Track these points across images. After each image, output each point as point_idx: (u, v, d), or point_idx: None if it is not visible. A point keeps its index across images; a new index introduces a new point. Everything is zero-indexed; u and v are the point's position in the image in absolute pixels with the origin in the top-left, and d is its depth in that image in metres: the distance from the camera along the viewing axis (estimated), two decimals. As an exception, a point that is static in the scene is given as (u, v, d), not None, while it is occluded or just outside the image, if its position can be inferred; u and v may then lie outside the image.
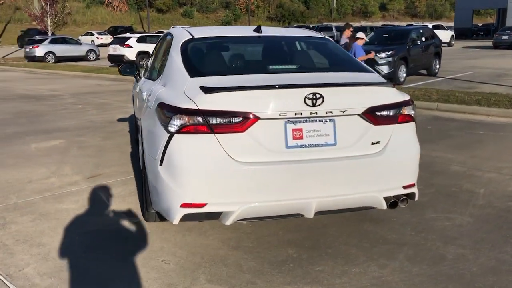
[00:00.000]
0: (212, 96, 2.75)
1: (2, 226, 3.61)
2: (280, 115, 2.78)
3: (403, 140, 3.09)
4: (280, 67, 3.41)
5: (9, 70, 22.49)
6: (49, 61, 27.56)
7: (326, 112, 2.85)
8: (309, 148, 2.85)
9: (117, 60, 22.42)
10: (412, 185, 3.16)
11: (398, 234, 3.44)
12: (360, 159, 2.92)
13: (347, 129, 2.92)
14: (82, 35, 42.24)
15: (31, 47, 27.98)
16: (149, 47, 21.17)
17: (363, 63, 3.64)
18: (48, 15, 31.71)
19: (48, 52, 28.03)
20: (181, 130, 2.77)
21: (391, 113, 3.02)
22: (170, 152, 2.82)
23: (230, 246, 3.25)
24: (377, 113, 2.96)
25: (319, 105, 2.81)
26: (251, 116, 2.74)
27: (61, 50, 28.70)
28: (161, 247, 3.23)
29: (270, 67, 3.37)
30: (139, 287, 2.75)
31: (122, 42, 22.29)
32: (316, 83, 2.86)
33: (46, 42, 28.60)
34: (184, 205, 2.78)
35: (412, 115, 3.17)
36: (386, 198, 3.06)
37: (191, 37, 3.65)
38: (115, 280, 2.82)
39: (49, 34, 32.30)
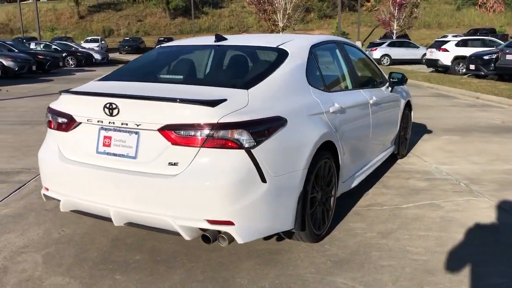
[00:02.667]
0: (60, 98, 3.20)
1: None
2: (87, 120, 2.96)
3: (211, 167, 2.66)
4: (168, 77, 3.39)
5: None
6: (384, 63, 29.04)
7: (122, 124, 2.83)
8: (114, 157, 2.90)
9: (432, 64, 21.84)
10: (224, 223, 2.68)
11: (231, 269, 2.92)
12: (155, 177, 2.75)
13: (149, 144, 2.79)
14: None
15: (370, 50, 30.16)
16: (468, 52, 19.62)
17: (258, 80, 3.10)
18: (395, 19, 33.14)
19: (384, 55, 29.57)
20: (48, 125, 3.33)
21: (195, 134, 2.66)
22: None
23: (115, 238, 3.54)
24: (176, 132, 2.69)
25: (115, 115, 2.83)
26: (71, 119, 3.05)
27: (397, 53, 29.69)
28: (82, 222, 3.84)
29: (161, 76, 3.41)
30: (19, 239, 3.49)
31: (440, 45, 21.41)
32: (110, 93, 2.86)
33: (384, 45, 30.18)
34: (44, 187, 3.35)
35: (241, 140, 2.66)
36: (187, 228, 2.74)
37: (159, 45, 4.00)
38: (11, 231, 3.66)
39: (394, 37, 33.78)
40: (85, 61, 26.27)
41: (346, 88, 4.20)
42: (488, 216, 3.99)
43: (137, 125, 2.78)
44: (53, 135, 3.21)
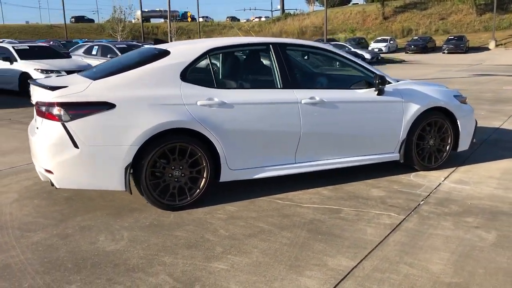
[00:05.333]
0: None
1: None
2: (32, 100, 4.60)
3: (44, 132, 3.90)
4: (93, 70, 4.60)
5: None
6: None
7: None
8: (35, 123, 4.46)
9: None
10: (49, 171, 3.92)
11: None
12: (33, 136, 4.17)
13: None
14: None
15: None
16: None
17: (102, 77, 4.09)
18: None
19: None
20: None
21: (41, 109, 3.95)
22: None
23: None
24: (37, 106, 4.04)
25: (31, 96, 4.38)
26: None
27: None
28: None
29: (92, 70, 4.67)
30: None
31: None
32: (30, 81, 4.36)
33: None
34: None
35: (59, 115, 3.80)
36: (40, 173, 4.09)
37: None
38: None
39: None
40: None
41: (265, 87, 4.53)
42: (358, 229, 3.76)
43: (34, 103, 4.26)
44: None
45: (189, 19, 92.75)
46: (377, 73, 4.98)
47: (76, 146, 3.83)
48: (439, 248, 3.40)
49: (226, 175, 4.35)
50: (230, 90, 4.38)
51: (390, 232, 3.69)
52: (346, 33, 56.12)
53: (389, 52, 41.47)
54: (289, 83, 4.56)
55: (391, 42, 43.62)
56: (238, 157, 4.34)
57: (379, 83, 4.81)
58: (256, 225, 3.85)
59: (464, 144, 5.56)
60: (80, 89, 3.93)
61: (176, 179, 4.15)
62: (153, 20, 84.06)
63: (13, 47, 13.52)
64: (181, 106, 4.08)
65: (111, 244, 3.52)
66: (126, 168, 3.93)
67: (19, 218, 4.05)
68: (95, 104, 3.86)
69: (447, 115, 5.36)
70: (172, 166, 4.12)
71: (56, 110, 3.83)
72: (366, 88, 4.92)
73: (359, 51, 30.01)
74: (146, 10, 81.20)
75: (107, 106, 3.87)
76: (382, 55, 35.45)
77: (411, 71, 22.66)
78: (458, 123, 5.42)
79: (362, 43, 42.64)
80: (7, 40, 29.25)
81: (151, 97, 4.02)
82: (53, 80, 4.42)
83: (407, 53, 41.08)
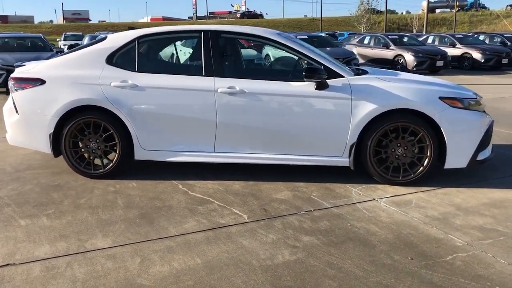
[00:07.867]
0: None
1: None
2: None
3: (8, 99, 5.01)
4: None
5: None
6: None
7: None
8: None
9: None
10: (6, 131, 5.02)
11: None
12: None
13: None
14: None
15: None
16: None
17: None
18: None
19: None
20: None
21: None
22: None
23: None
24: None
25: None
26: None
27: None
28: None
29: None
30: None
31: None
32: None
33: None
34: None
35: (11, 87, 4.82)
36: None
37: None
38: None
39: None
40: None
41: (187, 74, 4.61)
42: (183, 221, 3.68)
43: None
44: None
45: (456, 9, 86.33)
46: (324, 63, 4.44)
47: (17, 112, 4.79)
48: (205, 254, 3.10)
49: (139, 154, 4.67)
50: (147, 74, 4.60)
51: (204, 230, 3.49)
52: None
53: None
54: (211, 71, 4.52)
55: None
56: (150, 138, 4.60)
57: (306, 76, 4.29)
58: (114, 202, 4.12)
59: (456, 160, 4.39)
60: (30, 68, 4.85)
61: (93, 151, 4.71)
62: (438, 11, 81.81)
63: None
64: (96, 86, 4.59)
65: (6, 192, 4.37)
66: (49, 135, 4.69)
67: (1, 165, 5.29)
68: (31, 80, 4.73)
69: (428, 121, 4.34)
70: (89, 138, 4.69)
71: (10, 83, 4.87)
72: (304, 82, 4.43)
73: None
74: (432, 0, 79.85)
75: (39, 81, 4.69)
76: None
77: None
78: (443, 131, 4.32)
79: None
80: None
81: (75, 76, 4.65)
82: (31, 62, 5.49)
83: None
